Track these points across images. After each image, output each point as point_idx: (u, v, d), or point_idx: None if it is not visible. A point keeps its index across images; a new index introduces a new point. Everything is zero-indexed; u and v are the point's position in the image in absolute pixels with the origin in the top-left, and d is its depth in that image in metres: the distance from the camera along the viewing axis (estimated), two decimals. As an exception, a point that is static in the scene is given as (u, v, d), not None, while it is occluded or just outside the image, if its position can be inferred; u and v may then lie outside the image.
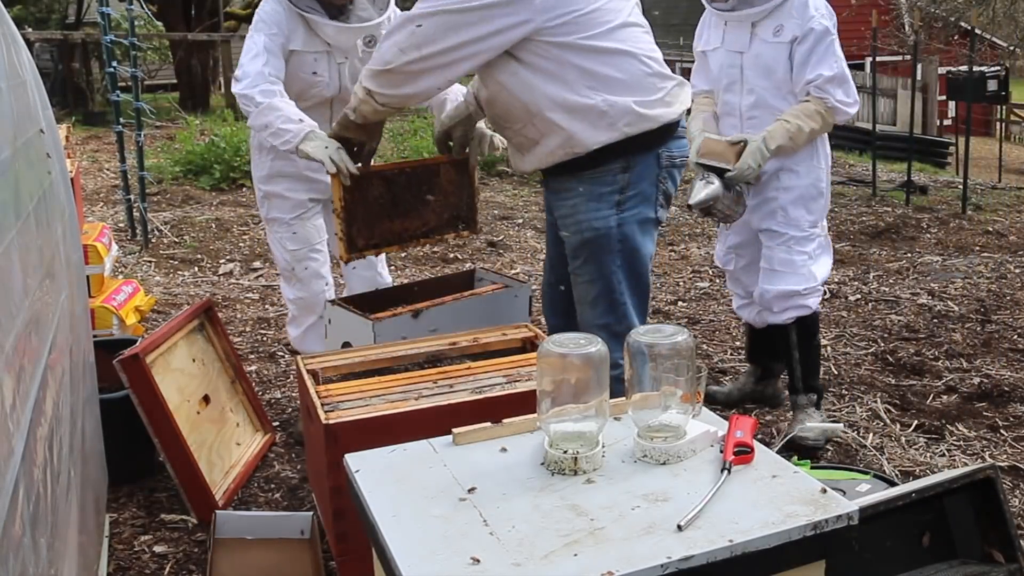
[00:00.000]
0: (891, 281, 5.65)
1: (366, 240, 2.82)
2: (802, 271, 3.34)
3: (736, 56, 3.28)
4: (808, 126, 3.16)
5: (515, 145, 2.62)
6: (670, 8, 19.78)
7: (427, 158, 3.02)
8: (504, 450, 1.68)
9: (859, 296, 5.31)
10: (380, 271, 3.56)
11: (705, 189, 3.16)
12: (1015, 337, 4.58)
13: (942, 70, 13.64)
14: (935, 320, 4.86)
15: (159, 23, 16.92)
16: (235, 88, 3.06)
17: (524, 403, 1.90)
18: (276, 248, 3.43)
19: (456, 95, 3.10)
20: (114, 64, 6.37)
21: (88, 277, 3.77)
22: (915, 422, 3.60)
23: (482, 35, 2.32)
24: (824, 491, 1.51)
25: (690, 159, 3.01)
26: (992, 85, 9.47)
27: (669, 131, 2.53)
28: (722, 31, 3.32)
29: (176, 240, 6.59)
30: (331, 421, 2.13)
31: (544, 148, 2.50)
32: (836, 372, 4.12)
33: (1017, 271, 5.89)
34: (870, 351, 4.38)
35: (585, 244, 2.54)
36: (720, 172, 3.16)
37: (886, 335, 4.62)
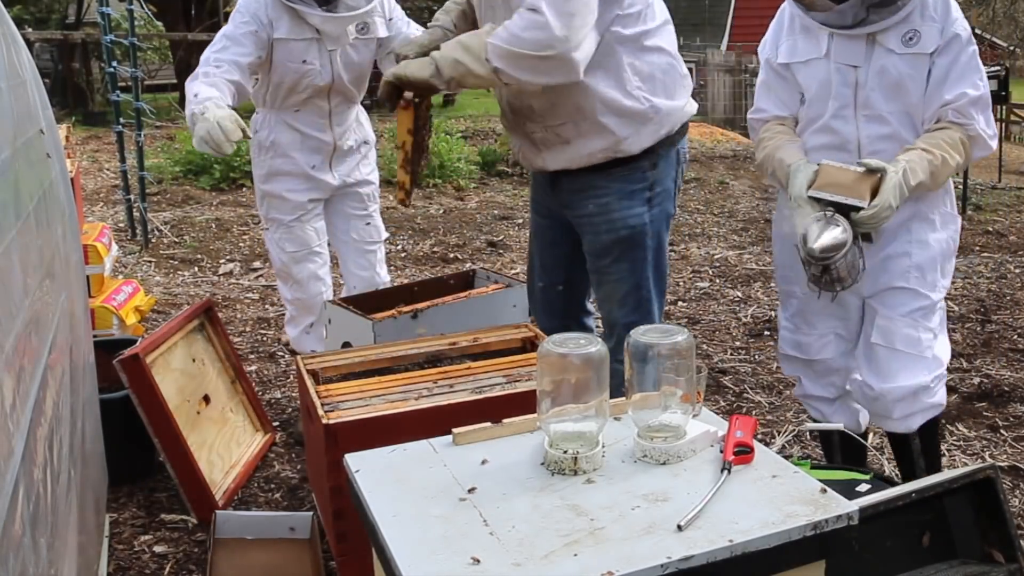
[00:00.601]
0: (891, 281, 5.64)
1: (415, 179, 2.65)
2: (928, 354, 2.55)
3: (849, 71, 2.45)
4: (953, 160, 2.41)
5: (536, 141, 2.55)
6: (670, 8, 19.79)
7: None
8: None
9: (859, 296, 5.31)
10: (379, 271, 3.56)
11: (831, 231, 2.36)
12: (1015, 337, 4.58)
13: (942, 70, 13.59)
14: (935, 320, 4.85)
15: (159, 23, 16.92)
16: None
17: (524, 403, 1.90)
18: (273, 248, 3.42)
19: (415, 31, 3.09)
20: (114, 64, 6.37)
21: (88, 277, 3.77)
22: (915, 422, 3.59)
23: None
24: (824, 491, 1.51)
25: (792, 190, 2.45)
26: (992, 85, 9.46)
27: (685, 129, 2.62)
28: (825, 38, 2.48)
29: (176, 240, 6.59)
30: (331, 421, 2.13)
31: (582, 149, 2.49)
32: (836, 372, 4.11)
33: (1017, 271, 5.89)
34: (870, 351, 4.38)
35: (619, 242, 2.56)
36: (846, 211, 2.37)
37: (886, 335, 4.61)
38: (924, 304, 2.53)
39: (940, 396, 2.59)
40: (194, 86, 2.90)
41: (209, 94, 2.83)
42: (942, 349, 2.59)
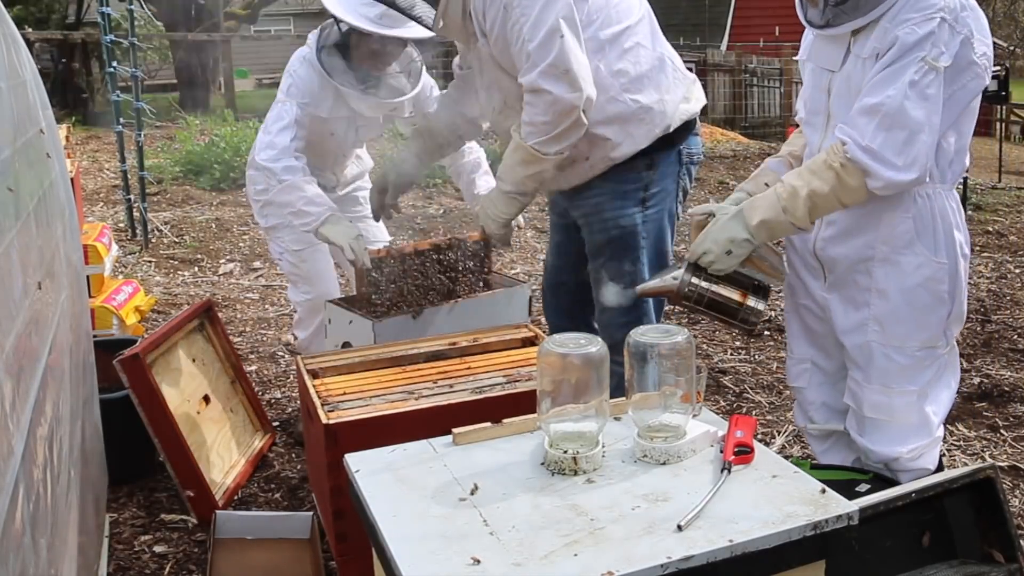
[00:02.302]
0: (891, 281, 5.63)
1: (384, 312, 2.81)
2: (909, 419, 2.25)
3: (825, 75, 2.21)
4: (807, 187, 2.08)
5: (555, 167, 2.53)
6: (670, 8, 19.82)
7: (447, 238, 2.95)
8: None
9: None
10: None
11: (664, 274, 2.36)
12: (1015, 337, 4.58)
13: (943, 70, 13.58)
14: (935, 320, 4.84)
15: (159, 23, 16.93)
16: (259, 157, 3.02)
17: (524, 403, 1.90)
18: (280, 252, 3.42)
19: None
20: (114, 64, 6.37)
21: (88, 277, 3.77)
22: (915, 422, 3.58)
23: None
24: (824, 491, 1.51)
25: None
26: (992, 85, 9.45)
27: (688, 128, 2.58)
28: (811, 37, 2.27)
29: (176, 240, 6.59)
30: (331, 421, 2.13)
31: (584, 164, 2.51)
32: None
33: (1017, 271, 5.89)
34: (870, 351, 4.37)
35: (611, 242, 2.56)
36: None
37: (886, 335, 4.61)
38: (893, 365, 2.23)
39: (926, 461, 2.30)
40: (309, 187, 2.94)
41: (329, 203, 2.94)
42: (937, 406, 2.28)
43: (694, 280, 2.26)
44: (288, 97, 3.06)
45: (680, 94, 2.54)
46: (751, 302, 2.29)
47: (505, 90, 2.49)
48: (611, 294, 2.62)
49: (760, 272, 2.30)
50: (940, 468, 2.36)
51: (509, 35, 2.31)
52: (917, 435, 2.27)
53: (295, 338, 3.76)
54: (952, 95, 2.06)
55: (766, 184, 2.38)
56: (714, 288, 2.27)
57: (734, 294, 2.29)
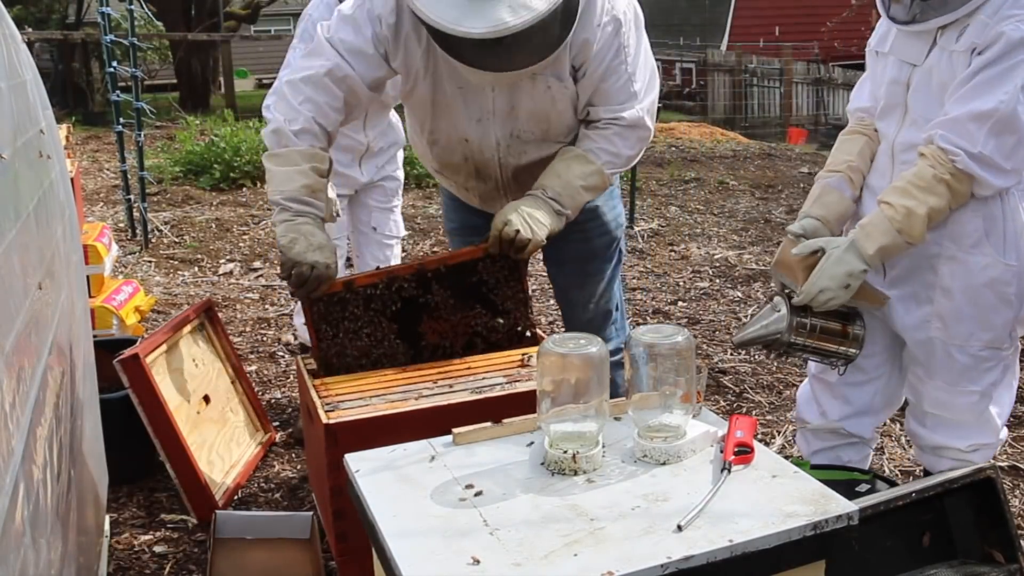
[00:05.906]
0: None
1: (343, 362, 2.37)
2: (970, 419, 2.28)
3: (906, 69, 2.18)
4: (925, 205, 2.05)
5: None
6: (670, 8, 19.83)
7: (416, 261, 2.40)
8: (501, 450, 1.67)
9: (859, 296, 5.29)
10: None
11: (763, 320, 2.27)
12: (1015, 337, 4.57)
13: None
14: (935, 320, 4.84)
15: (159, 23, 16.93)
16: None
17: (524, 403, 1.90)
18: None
19: None
20: (114, 64, 6.37)
21: (88, 277, 3.77)
22: (915, 422, 3.58)
23: None
24: (824, 491, 1.51)
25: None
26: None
27: None
28: (894, 30, 2.23)
29: (176, 240, 6.59)
30: (331, 421, 2.13)
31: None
32: (836, 372, 4.11)
33: (1017, 271, 5.88)
34: (870, 351, 4.37)
35: (612, 242, 2.65)
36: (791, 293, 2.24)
37: (886, 335, 4.60)
38: (955, 364, 2.23)
39: (978, 456, 2.30)
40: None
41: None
42: (999, 408, 2.28)
43: (800, 320, 2.21)
44: (301, 42, 3.02)
45: None
46: (853, 331, 2.26)
47: (538, 122, 2.39)
48: (613, 296, 2.65)
49: (861, 299, 2.23)
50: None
51: (613, 71, 2.31)
52: (980, 434, 2.30)
53: (295, 330, 3.76)
54: None
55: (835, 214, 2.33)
56: (821, 325, 2.23)
57: (836, 327, 2.26)
